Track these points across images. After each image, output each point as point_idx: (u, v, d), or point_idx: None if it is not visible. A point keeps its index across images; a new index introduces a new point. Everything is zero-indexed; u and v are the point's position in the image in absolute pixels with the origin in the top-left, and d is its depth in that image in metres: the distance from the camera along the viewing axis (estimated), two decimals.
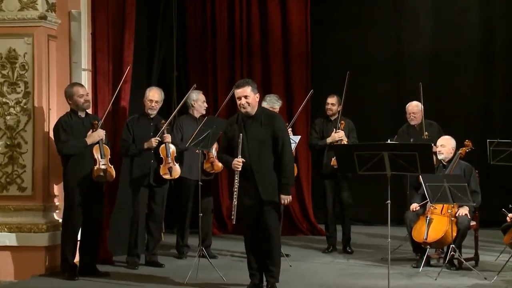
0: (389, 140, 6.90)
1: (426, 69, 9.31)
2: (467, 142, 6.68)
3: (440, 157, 6.58)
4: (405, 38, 9.51)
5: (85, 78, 6.59)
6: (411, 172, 5.22)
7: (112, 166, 6.10)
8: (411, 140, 7.28)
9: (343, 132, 7.11)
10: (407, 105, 7.65)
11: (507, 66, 9.19)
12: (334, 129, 7.16)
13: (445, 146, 6.60)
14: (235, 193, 5.21)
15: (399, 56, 9.56)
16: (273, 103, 6.89)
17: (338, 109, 7.30)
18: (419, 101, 7.43)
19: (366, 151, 5.19)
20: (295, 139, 6.79)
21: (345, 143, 7.01)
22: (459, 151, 6.61)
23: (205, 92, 7.68)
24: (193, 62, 9.17)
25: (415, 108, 7.48)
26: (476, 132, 8.78)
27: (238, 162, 5.21)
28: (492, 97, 9.26)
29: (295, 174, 7.11)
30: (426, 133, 7.21)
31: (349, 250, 7.35)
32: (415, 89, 7.97)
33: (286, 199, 5.35)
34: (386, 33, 9.55)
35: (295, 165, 7.09)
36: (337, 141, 7.08)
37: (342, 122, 7.17)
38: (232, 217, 5.21)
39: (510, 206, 6.52)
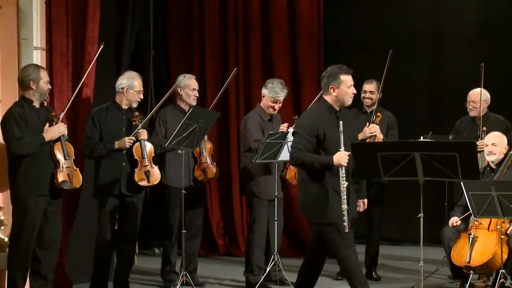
0: (422, 137, 6.89)
1: (474, 47, 9.33)
2: None
3: (490, 158, 6.58)
4: (446, 7, 9.51)
5: (38, 59, 6.57)
6: (449, 177, 5.23)
7: (78, 169, 6.11)
8: (450, 137, 7.28)
9: (377, 127, 7.10)
10: (469, 93, 7.59)
11: None
12: (368, 123, 7.15)
13: (497, 145, 6.61)
14: (343, 196, 5.18)
15: (437, 31, 9.58)
16: (277, 93, 6.88)
17: (378, 98, 7.26)
18: (480, 86, 7.37)
19: (392, 151, 5.20)
20: None
21: (380, 141, 6.99)
22: (511, 152, 6.62)
23: None
24: (175, 38, 9.18)
25: (477, 96, 7.41)
26: None
27: (346, 155, 5.22)
28: None
29: None
30: (484, 128, 7.18)
31: (375, 276, 7.37)
32: (460, 71, 7.99)
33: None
34: (420, 1, 9.57)
35: None
36: (369, 138, 7.06)
37: (379, 114, 7.13)
38: (345, 223, 5.18)
39: None
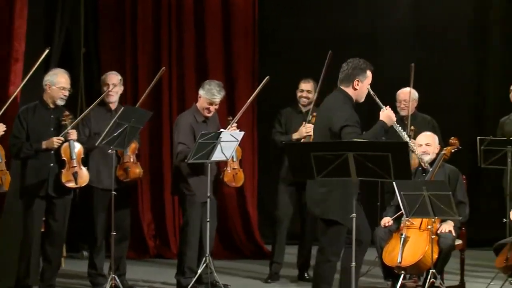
0: None
1: (407, 46, 9.52)
2: (452, 139, 6.81)
3: (425, 158, 6.69)
4: (380, 6, 9.67)
5: None
6: (382, 177, 5.26)
7: (8, 172, 5.98)
8: (383, 138, 7.36)
9: (313, 126, 7.12)
10: (398, 92, 7.74)
11: (503, 43, 9.46)
12: (304, 123, 7.19)
13: (431, 145, 6.73)
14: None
15: (371, 30, 9.72)
16: (213, 95, 6.86)
17: (315, 98, 7.31)
18: (410, 86, 7.52)
19: (326, 151, 5.23)
20: (236, 136, 6.80)
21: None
22: (443, 152, 6.74)
23: (123, 73, 7.60)
24: (107, 35, 9.06)
25: (407, 95, 7.55)
26: (464, 128, 9.00)
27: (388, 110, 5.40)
28: (486, 82, 9.49)
29: (242, 181, 7.18)
30: (412, 127, 7.31)
31: (307, 277, 7.42)
32: (394, 71, 8.11)
33: None
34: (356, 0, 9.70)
35: (241, 170, 7.14)
36: (304, 138, 7.11)
37: (314, 114, 7.16)
38: None
39: (505, 220, 6.72)
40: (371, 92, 5.46)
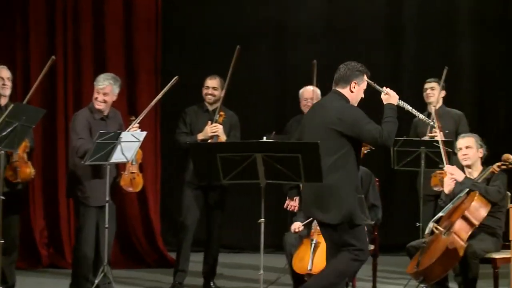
0: (264, 137, 7.00)
1: (319, 42, 9.63)
2: None
3: None
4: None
5: None
6: (292, 180, 5.31)
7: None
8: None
9: (221, 126, 7.13)
10: (301, 91, 7.81)
11: (417, 41, 9.67)
12: (209, 122, 7.17)
13: None
14: None
15: (282, 24, 9.78)
16: (97, 82, 6.88)
17: (222, 95, 7.29)
18: (313, 84, 7.62)
19: (233, 152, 5.23)
20: (138, 137, 6.73)
21: (223, 141, 7.02)
22: None
23: (12, 68, 7.40)
24: None
25: (311, 93, 7.65)
26: None
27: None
28: (400, 81, 9.70)
29: (140, 186, 7.09)
30: None
31: (213, 286, 7.41)
32: (304, 68, 8.18)
33: None
34: None
35: (140, 174, 7.06)
36: (211, 138, 7.07)
37: (222, 113, 7.16)
38: None
39: (418, 224, 6.87)
40: (368, 80, 5.56)
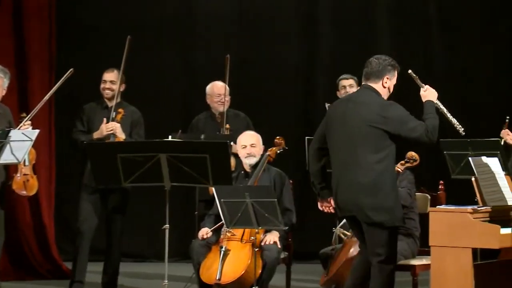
0: (170, 136, 6.97)
1: (230, 35, 9.64)
2: (278, 139, 6.96)
3: (250, 161, 6.78)
4: None
5: None
6: (199, 183, 5.33)
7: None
8: (202, 136, 7.44)
9: (118, 125, 7.06)
10: (209, 86, 7.80)
11: (333, 34, 9.79)
12: (105, 120, 7.09)
13: (256, 146, 6.82)
14: None
15: (191, 12, 9.76)
16: None
17: (121, 89, 7.23)
18: (225, 79, 7.61)
19: (135, 153, 5.20)
20: (30, 135, 6.60)
21: (121, 140, 6.95)
22: (267, 153, 6.86)
23: None
24: None
25: (222, 89, 7.65)
26: (290, 126, 9.28)
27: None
28: (315, 76, 9.80)
29: (35, 189, 6.97)
30: (227, 126, 7.40)
31: None
32: (213, 61, 8.18)
33: None
34: None
35: (34, 176, 6.92)
36: (109, 138, 6.99)
37: (120, 110, 7.09)
38: None
39: (334, 229, 6.94)
40: (413, 75, 5.66)
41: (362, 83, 5.60)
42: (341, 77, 7.96)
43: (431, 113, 5.48)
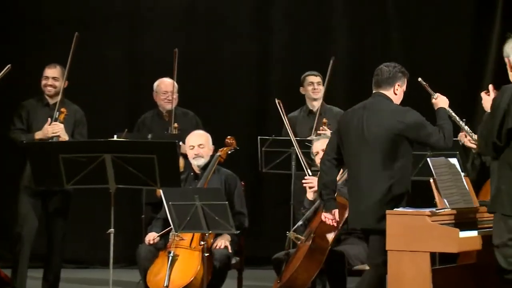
0: (115, 136, 6.94)
1: (179, 28, 9.64)
2: (229, 139, 6.96)
3: (198, 163, 6.76)
4: None
5: None
6: (146, 185, 5.31)
7: None
8: (149, 136, 7.41)
9: (62, 125, 6.98)
10: (156, 83, 7.78)
11: (288, 30, 9.81)
12: (50, 120, 7.01)
13: (205, 146, 6.81)
14: None
15: (138, 5, 9.74)
16: None
17: (63, 86, 7.15)
18: (173, 75, 7.59)
19: (78, 153, 5.17)
20: None
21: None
22: (218, 153, 6.86)
23: None
24: None
25: (170, 86, 7.65)
26: (242, 125, 9.27)
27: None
28: (270, 70, 9.81)
29: None
30: (175, 125, 7.39)
31: None
32: (161, 56, 8.16)
33: None
34: None
35: None
36: (51, 138, 6.93)
37: (63, 110, 7.03)
38: None
39: (288, 233, 6.97)
40: (423, 82, 5.86)
41: (374, 91, 5.76)
42: (308, 73, 7.99)
43: (445, 119, 5.68)
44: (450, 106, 5.77)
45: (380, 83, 5.72)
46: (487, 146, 5.11)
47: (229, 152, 6.90)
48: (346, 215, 6.18)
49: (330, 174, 5.76)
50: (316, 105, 7.88)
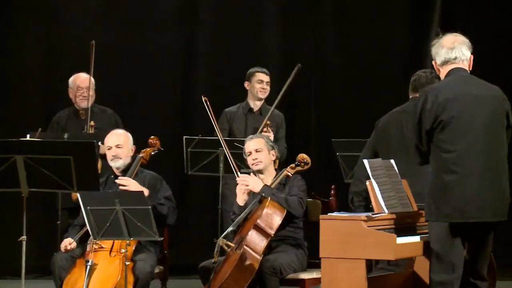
0: (28, 135, 6.88)
1: (96, 18, 9.60)
2: (152, 139, 6.94)
3: (116, 164, 6.73)
4: None
5: None
6: (62, 188, 5.28)
7: None
8: (65, 135, 7.37)
9: None
10: (71, 78, 7.76)
11: (214, 22, 9.81)
12: None
13: (123, 147, 6.78)
14: None
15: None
16: None
17: None
18: (90, 71, 7.55)
19: None
20: None
21: None
22: (141, 154, 6.83)
23: None
24: None
25: (86, 81, 7.62)
26: (166, 124, 9.30)
27: None
28: (195, 65, 9.79)
29: None
30: (92, 123, 7.36)
31: None
32: (78, 50, 8.11)
33: None
34: None
35: None
36: None
37: None
38: None
39: (216, 240, 6.98)
40: None
41: (411, 96, 6.22)
42: (258, 69, 7.97)
43: None
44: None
45: (418, 88, 6.13)
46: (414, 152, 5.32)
47: (153, 153, 6.89)
48: (280, 222, 6.25)
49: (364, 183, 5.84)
50: (258, 105, 7.88)
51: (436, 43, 5.42)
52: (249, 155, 6.62)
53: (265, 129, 7.55)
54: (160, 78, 9.64)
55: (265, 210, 6.28)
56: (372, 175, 5.56)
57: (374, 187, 5.52)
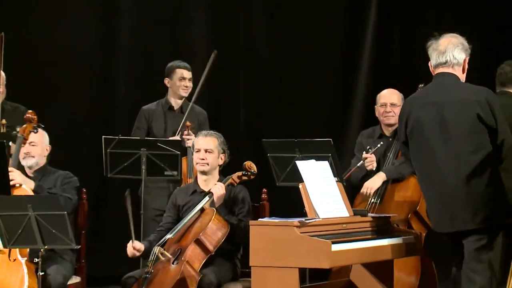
0: None
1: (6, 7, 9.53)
2: (30, 114, 6.74)
3: (27, 163, 6.78)
4: None
5: None
6: None
7: None
8: None
9: None
10: None
11: (137, 6, 9.80)
12: None
13: (37, 145, 6.77)
14: None
15: None
16: None
17: None
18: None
19: None
20: None
21: None
22: (20, 134, 6.62)
23: None
24: None
25: None
26: (83, 122, 9.18)
27: None
28: (112, 57, 9.81)
29: None
30: (3, 121, 7.34)
31: None
32: None
33: None
34: None
35: None
36: None
37: None
38: None
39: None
40: None
41: (497, 90, 6.68)
42: (179, 64, 7.92)
43: None
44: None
45: (505, 82, 6.75)
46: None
47: (33, 130, 6.63)
48: (222, 240, 6.26)
49: None
50: (180, 102, 7.85)
51: (431, 45, 5.52)
52: (197, 151, 6.62)
53: (185, 132, 7.58)
54: (76, 72, 9.54)
55: (210, 225, 6.27)
56: (305, 178, 5.60)
57: (307, 191, 5.57)
